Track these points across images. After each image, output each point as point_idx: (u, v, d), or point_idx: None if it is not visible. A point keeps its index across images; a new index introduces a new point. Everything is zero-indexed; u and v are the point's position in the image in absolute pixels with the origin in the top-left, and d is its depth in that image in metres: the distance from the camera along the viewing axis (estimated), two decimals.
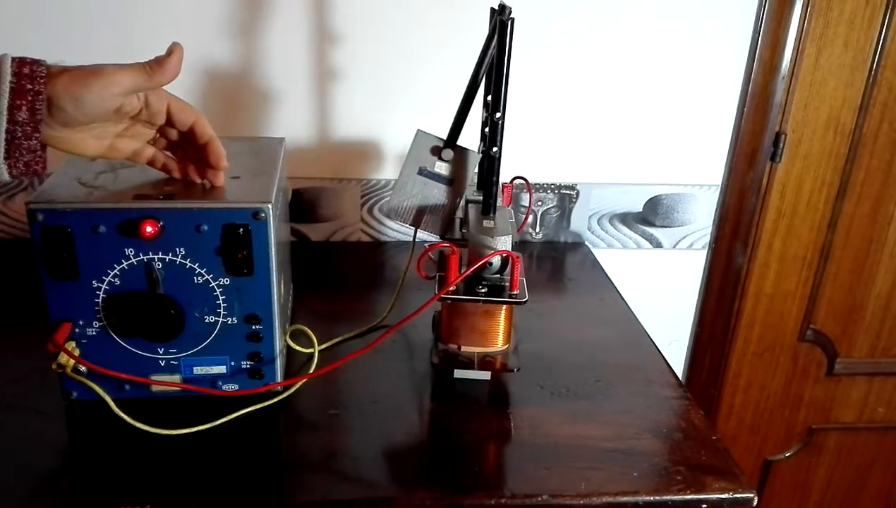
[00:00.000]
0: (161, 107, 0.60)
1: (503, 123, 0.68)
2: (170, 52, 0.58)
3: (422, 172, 0.74)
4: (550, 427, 0.68)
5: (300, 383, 0.71)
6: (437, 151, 0.73)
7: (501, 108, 0.68)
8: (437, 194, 0.74)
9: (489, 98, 0.70)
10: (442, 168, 0.73)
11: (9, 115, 0.51)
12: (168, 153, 0.66)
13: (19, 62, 0.52)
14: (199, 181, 0.65)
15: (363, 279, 1.00)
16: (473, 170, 0.74)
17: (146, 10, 0.96)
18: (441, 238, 0.75)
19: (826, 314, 1.29)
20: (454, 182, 0.74)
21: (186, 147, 0.65)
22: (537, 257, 1.10)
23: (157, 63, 0.57)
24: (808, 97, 1.11)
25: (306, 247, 1.10)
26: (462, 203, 0.79)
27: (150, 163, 0.64)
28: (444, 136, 0.73)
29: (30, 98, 0.51)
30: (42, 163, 0.56)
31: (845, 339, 1.31)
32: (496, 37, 0.66)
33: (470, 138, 0.82)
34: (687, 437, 0.67)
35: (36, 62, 0.53)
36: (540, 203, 1.12)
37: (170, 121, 0.62)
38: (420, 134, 0.74)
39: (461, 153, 0.73)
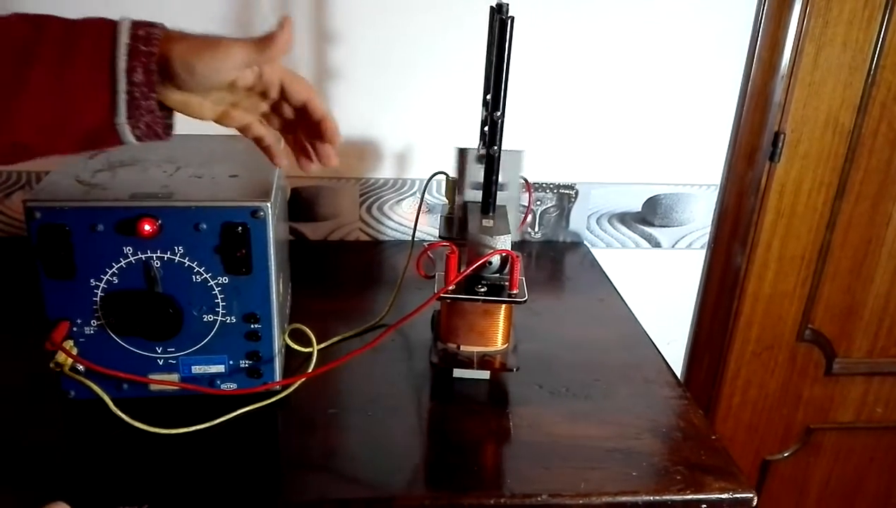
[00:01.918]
0: (274, 79, 0.61)
1: (503, 122, 0.68)
2: (281, 27, 0.58)
3: (478, 188, 0.73)
4: (549, 426, 0.68)
5: (299, 382, 0.70)
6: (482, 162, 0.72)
7: (501, 107, 0.67)
8: (504, 198, 0.74)
9: (489, 97, 0.70)
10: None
11: (127, 77, 0.52)
12: (278, 134, 0.65)
13: (135, 25, 0.54)
14: (309, 168, 0.65)
15: (362, 278, 1.00)
16: (521, 168, 0.74)
17: (144, 8, 0.95)
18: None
19: (824, 314, 1.29)
20: (508, 184, 0.75)
21: (299, 126, 0.64)
22: (536, 257, 1.10)
23: (269, 38, 0.57)
24: (807, 97, 1.11)
25: (305, 245, 1.09)
26: (461, 202, 0.79)
27: (257, 141, 0.63)
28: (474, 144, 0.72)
29: (144, 60, 0.53)
30: (162, 125, 0.55)
31: (844, 339, 1.31)
32: (496, 36, 0.66)
33: (470, 137, 0.82)
34: (686, 437, 0.67)
35: (152, 25, 0.55)
36: (539, 202, 1.12)
37: (284, 96, 0.62)
38: (460, 151, 0.74)
39: (504, 157, 0.73)
